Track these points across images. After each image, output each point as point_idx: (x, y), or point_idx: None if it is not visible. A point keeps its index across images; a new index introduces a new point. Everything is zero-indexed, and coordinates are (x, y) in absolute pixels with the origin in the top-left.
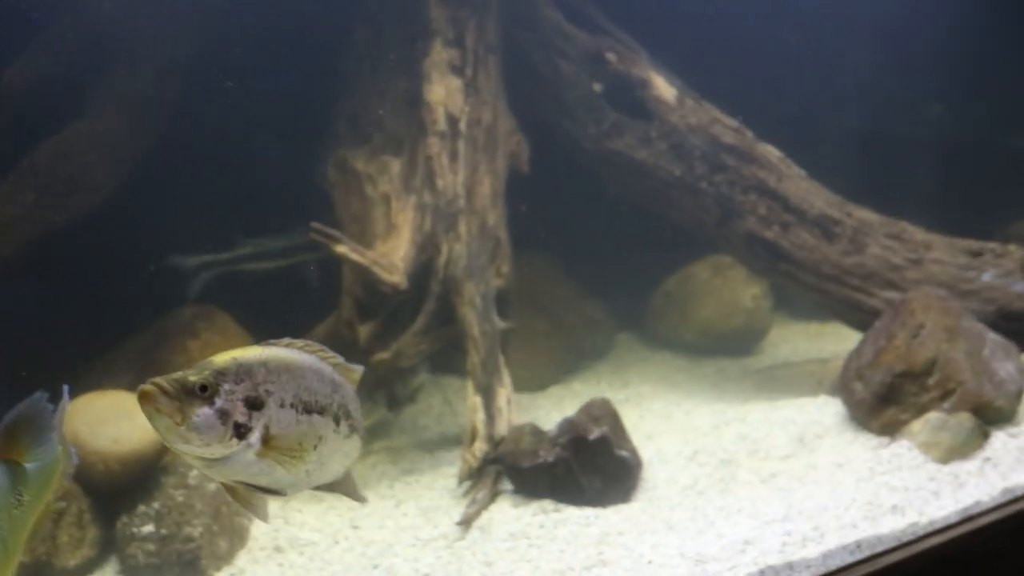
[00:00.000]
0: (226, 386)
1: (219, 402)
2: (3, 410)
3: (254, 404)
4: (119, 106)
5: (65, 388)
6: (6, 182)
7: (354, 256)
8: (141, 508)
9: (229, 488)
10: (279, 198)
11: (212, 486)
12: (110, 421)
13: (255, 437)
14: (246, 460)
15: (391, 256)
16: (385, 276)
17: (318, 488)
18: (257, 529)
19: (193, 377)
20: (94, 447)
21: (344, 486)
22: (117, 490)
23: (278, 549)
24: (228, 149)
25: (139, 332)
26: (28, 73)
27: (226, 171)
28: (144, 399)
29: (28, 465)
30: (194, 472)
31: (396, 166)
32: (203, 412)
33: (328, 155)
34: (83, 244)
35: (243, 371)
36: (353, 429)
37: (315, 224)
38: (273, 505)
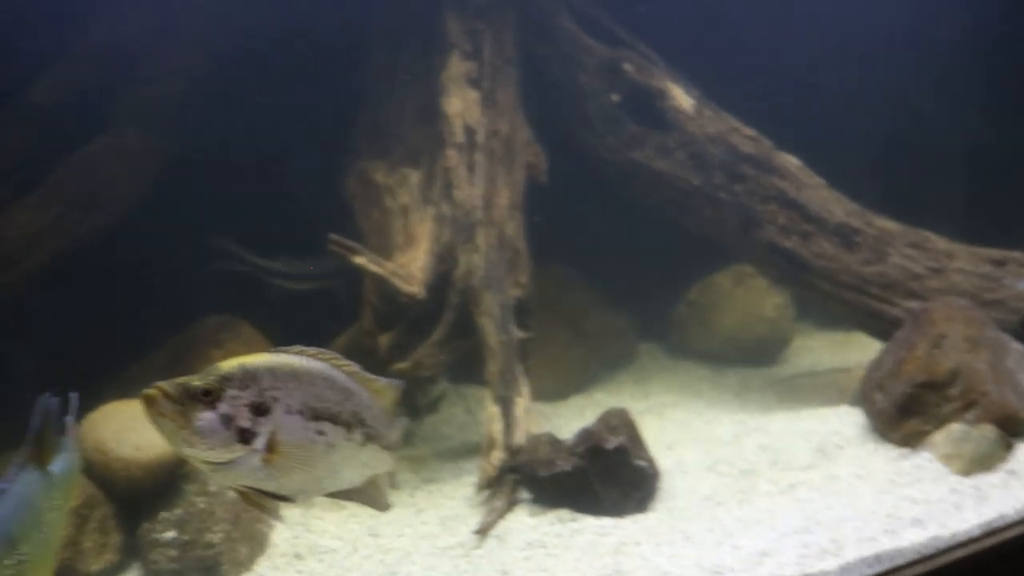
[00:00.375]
0: (231, 391)
1: (223, 407)
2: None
3: (259, 410)
4: (143, 120)
5: (74, 395)
6: (34, 195)
7: (373, 267)
8: (163, 514)
9: (240, 492)
10: (301, 209)
11: (233, 493)
12: (134, 429)
13: (260, 443)
14: (252, 465)
15: (409, 267)
16: (403, 287)
17: (335, 496)
18: (277, 536)
19: (197, 382)
20: (118, 454)
21: (365, 494)
22: (140, 497)
23: (298, 556)
24: (250, 162)
25: (164, 343)
26: (55, 87)
27: (248, 183)
28: (148, 403)
29: (53, 468)
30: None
31: (415, 178)
32: (206, 416)
33: (348, 167)
34: (109, 256)
35: (249, 377)
36: (370, 438)
37: (334, 236)
38: (294, 512)
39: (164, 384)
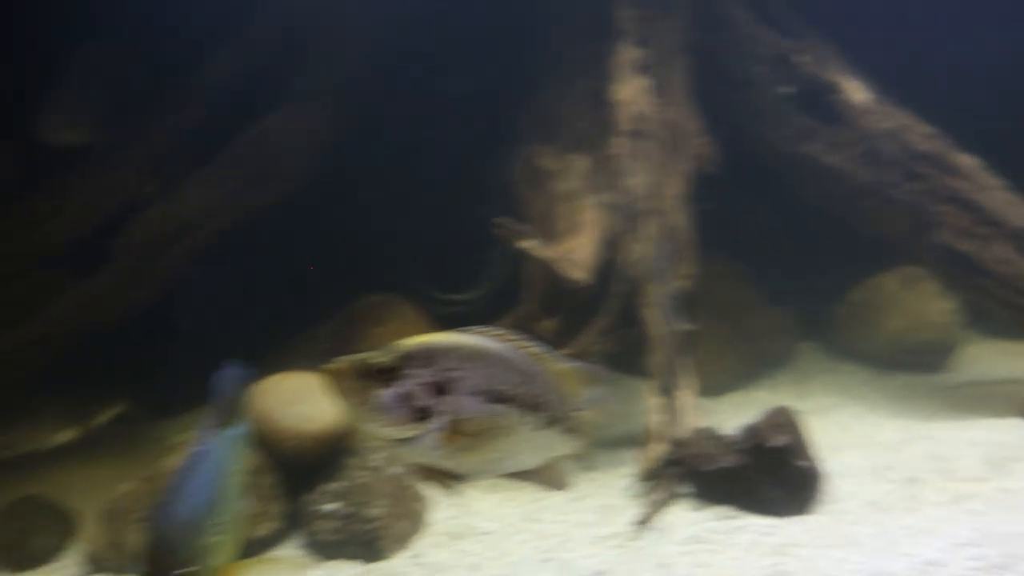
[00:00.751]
0: (410, 370)
1: (402, 385)
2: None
3: (439, 389)
4: (317, 98)
5: (236, 362)
6: (210, 169)
7: (539, 252)
8: (326, 486)
9: (417, 468)
10: (463, 189)
11: (394, 470)
12: (299, 401)
13: (438, 422)
14: (429, 443)
15: (575, 253)
16: (569, 273)
17: (511, 476)
18: (435, 515)
19: (378, 359)
20: (284, 425)
21: (542, 475)
22: (304, 467)
23: (455, 536)
24: (417, 142)
25: (327, 318)
26: (231, 64)
27: (414, 163)
28: (329, 377)
29: (236, 433)
30: (377, 455)
31: (581, 165)
32: (385, 393)
33: (514, 152)
34: (279, 230)
35: (430, 356)
36: (551, 421)
37: (500, 219)
38: (454, 495)
39: (347, 359)
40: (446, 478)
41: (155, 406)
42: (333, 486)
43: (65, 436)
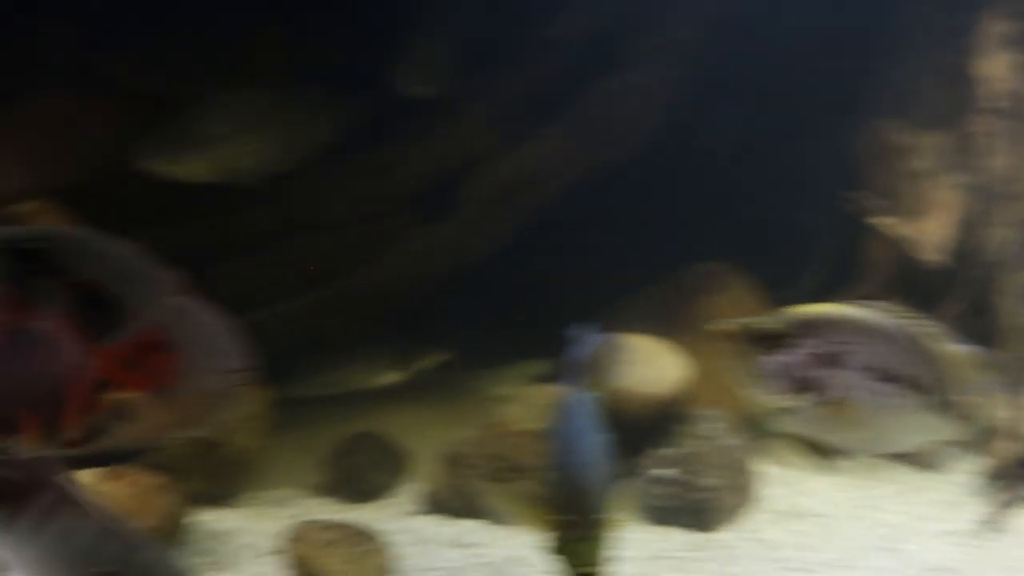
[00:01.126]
0: (801, 339)
1: (791, 353)
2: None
3: (827, 361)
4: (663, 59)
5: (587, 323)
6: (555, 125)
7: (892, 230)
8: (661, 451)
9: (789, 437)
10: (802, 162)
11: (727, 440)
12: (637, 363)
13: (822, 394)
14: (809, 415)
15: (929, 234)
16: (920, 253)
17: (887, 456)
18: (769, 491)
19: (770, 324)
20: (625, 386)
21: (918, 457)
22: (639, 429)
23: (787, 515)
24: (757, 109)
25: (659, 282)
26: (581, 20)
27: (751, 130)
28: (719, 338)
29: (594, 391)
30: (713, 425)
31: (935, 142)
32: (773, 360)
33: (861, 126)
34: (617, 191)
35: (820, 326)
36: (937, 404)
37: (849, 194)
38: (785, 472)
39: (737, 321)
40: (821, 452)
41: (476, 358)
42: (667, 452)
43: (391, 379)
